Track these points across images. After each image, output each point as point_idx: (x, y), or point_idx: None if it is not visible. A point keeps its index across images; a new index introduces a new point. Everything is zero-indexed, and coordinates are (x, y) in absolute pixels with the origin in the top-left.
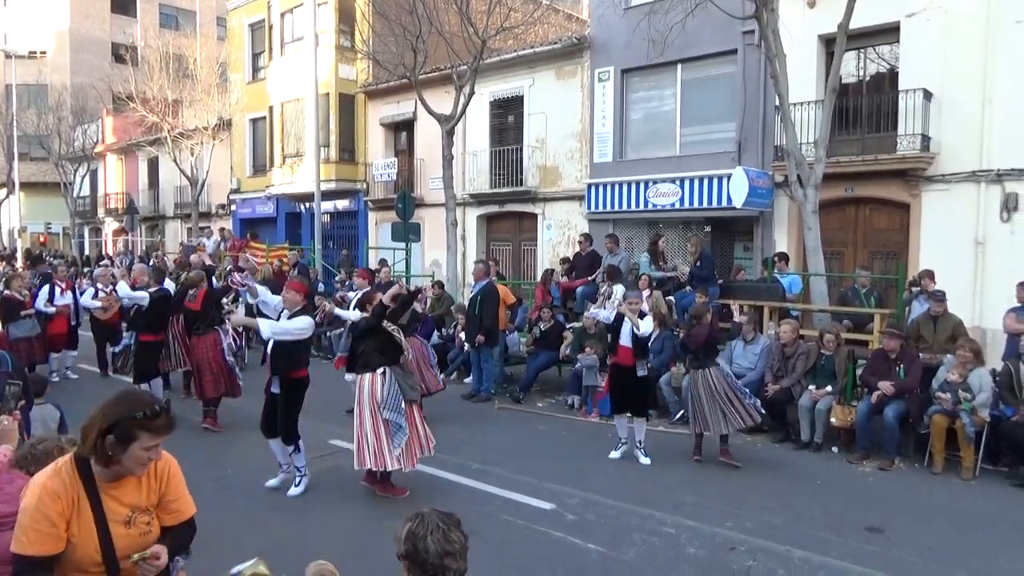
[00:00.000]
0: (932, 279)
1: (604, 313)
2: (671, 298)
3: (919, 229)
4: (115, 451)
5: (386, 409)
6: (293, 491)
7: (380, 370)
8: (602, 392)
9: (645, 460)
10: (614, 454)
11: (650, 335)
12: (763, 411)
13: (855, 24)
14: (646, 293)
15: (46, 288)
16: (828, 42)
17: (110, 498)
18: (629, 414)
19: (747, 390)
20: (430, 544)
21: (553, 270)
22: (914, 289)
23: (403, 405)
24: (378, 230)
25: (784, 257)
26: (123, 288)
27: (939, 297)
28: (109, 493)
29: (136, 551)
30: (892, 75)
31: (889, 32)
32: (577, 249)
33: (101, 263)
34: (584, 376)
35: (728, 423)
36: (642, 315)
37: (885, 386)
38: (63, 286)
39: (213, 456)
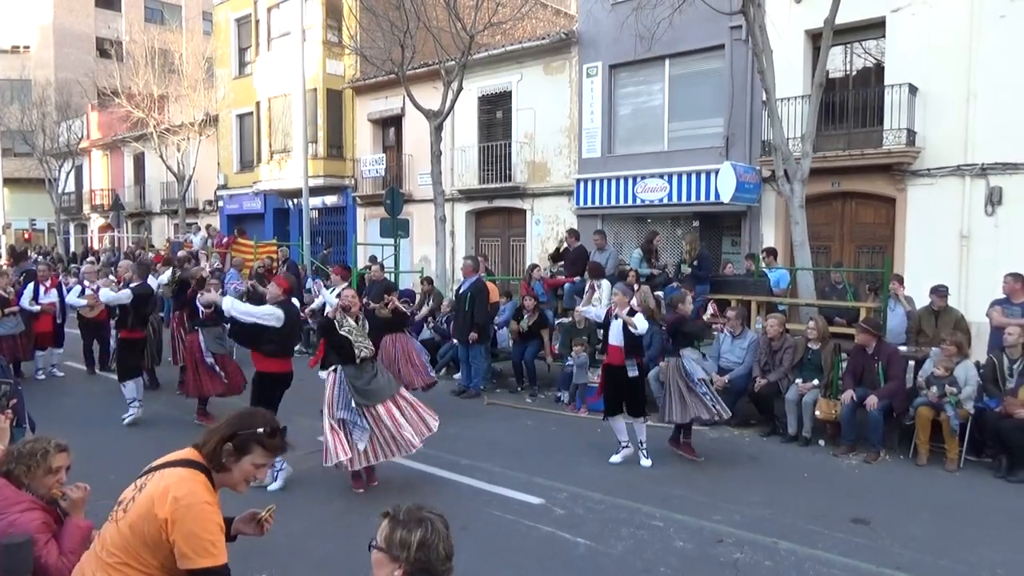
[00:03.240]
0: (900, 283)
1: (594, 311)
2: (659, 293)
3: (904, 223)
4: (229, 460)
5: (337, 408)
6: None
7: (332, 368)
8: (596, 395)
9: (646, 462)
10: (615, 458)
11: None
12: (725, 410)
13: (841, 19)
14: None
15: (31, 286)
16: (814, 37)
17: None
18: (626, 416)
19: (707, 391)
20: (442, 550)
21: (536, 265)
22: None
23: (353, 404)
24: (367, 226)
25: (772, 252)
26: (104, 293)
27: (941, 292)
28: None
29: None
30: (878, 70)
31: (875, 27)
32: (565, 246)
33: (88, 260)
34: (575, 374)
35: (686, 412)
36: (632, 312)
37: (871, 402)
38: (47, 284)
39: None
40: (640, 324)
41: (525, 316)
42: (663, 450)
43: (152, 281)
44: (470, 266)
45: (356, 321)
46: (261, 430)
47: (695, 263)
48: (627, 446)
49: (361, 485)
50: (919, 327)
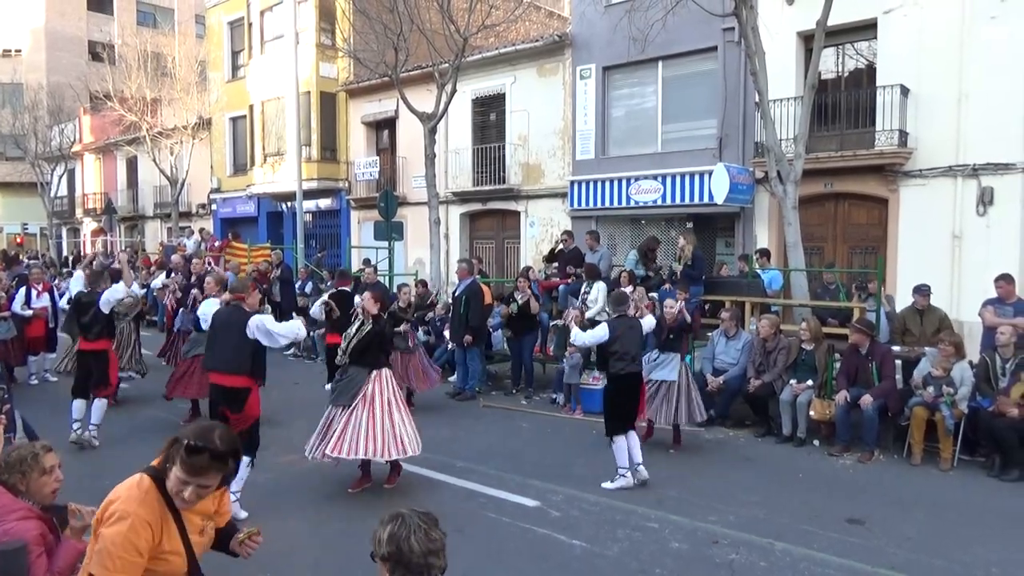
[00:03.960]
0: (882, 282)
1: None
2: (654, 295)
3: (897, 224)
4: (168, 465)
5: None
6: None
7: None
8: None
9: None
10: (607, 484)
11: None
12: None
13: (833, 21)
14: (629, 289)
15: (23, 290)
16: (807, 39)
17: (190, 511)
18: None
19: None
20: (414, 544)
21: (530, 267)
22: (862, 294)
23: (331, 405)
24: (360, 229)
25: (765, 253)
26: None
27: (924, 291)
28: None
29: (200, 554)
30: (870, 71)
31: (867, 29)
32: (560, 247)
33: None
34: (567, 375)
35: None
36: (593, 324)
37: (866, 400)
38: (40, 288)
39: None
40: (576, 334)
41: (517, 297)
42: (658, 451)
43: (120, 287)
44: (465, 268)
45: (361, 326)
46: (186, 442)
47: (689, 263)
48: (624, 474)
49: (358, 486)
50: (905, 327)
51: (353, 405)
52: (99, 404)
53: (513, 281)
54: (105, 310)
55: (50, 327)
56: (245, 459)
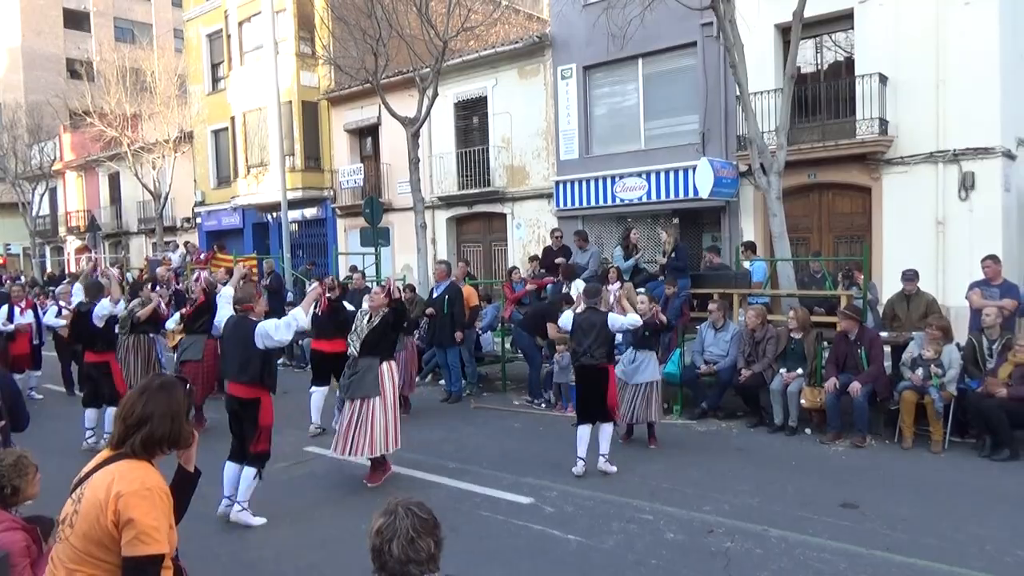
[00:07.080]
0: (860, 270)
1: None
2: (641, 290)
3: (881, 211)
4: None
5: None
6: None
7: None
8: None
9: (612, 468)
10: (576, 469)
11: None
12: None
13: (810, 12)
14: (616, 285)
15: (4, 308)
16: (784, 31)
17: None
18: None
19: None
20: (395, 549)
21: (515, 268)
22: (846, 282)
23: (339, 392)
24: (347, 236)
25: (751, 246)
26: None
27: (908, 276)
28: None
29: None
30: (848, 61)
31: (843, 19)
32: (548, 243)
33: (64, 281)
34: (556, 374)
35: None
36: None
37: (855, 388)
38: (23, 306)
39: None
40: (627, 319)
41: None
42: (645, 445)
43: (107, 303)
44: (443, 270)
45: (368, 320)
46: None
47: (672, 254)
48: (576, 462)
49: (375, 479)
50: (893, 312)
51: (369, 398)
52: (111, 412)
53: (500, 282)
54: (98, 324)
55: (35, 344)
56: (251, 471)
